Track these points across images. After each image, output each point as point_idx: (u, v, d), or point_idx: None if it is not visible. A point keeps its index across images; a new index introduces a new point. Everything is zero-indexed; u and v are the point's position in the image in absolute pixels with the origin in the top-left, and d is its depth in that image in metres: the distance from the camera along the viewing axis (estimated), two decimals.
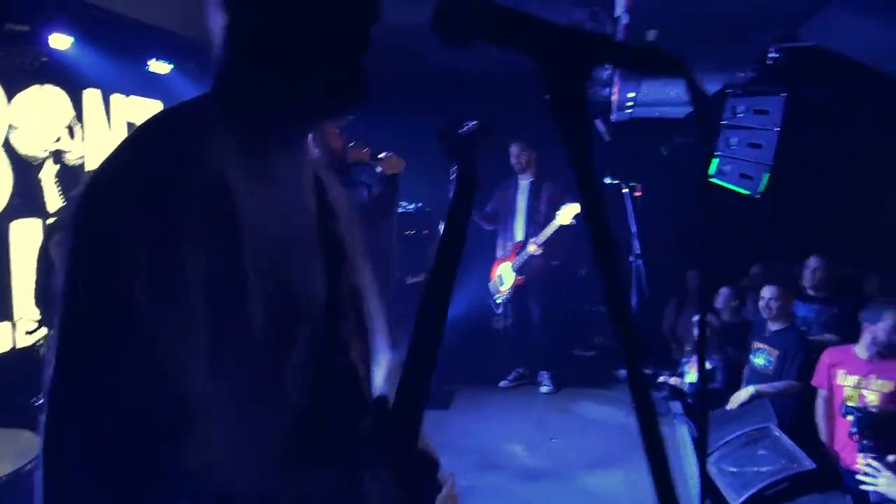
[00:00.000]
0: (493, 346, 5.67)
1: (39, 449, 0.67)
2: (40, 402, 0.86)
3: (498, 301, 5.36)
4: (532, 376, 5.41)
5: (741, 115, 4.97)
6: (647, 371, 5.47)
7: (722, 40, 2.65)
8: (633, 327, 0.61)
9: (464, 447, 4.11)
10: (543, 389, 5.27)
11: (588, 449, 4.20)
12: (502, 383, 5.41)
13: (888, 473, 2.74)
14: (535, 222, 5.13)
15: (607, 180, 5.30)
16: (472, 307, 5.48)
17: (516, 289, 5.24)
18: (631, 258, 5.34)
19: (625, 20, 2.32)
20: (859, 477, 2.86)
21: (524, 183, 5.29)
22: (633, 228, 5.23)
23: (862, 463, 2.91)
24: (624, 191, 5.23)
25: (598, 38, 0.59)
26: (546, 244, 5.08)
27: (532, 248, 5.10)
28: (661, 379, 5.16)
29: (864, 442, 3.38)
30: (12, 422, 2.75)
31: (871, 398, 3.55)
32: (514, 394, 5.30)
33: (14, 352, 3.76)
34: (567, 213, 4.95)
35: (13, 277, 3.78)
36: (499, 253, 5.41)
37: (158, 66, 4.47)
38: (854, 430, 3.38)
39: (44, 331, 3.35)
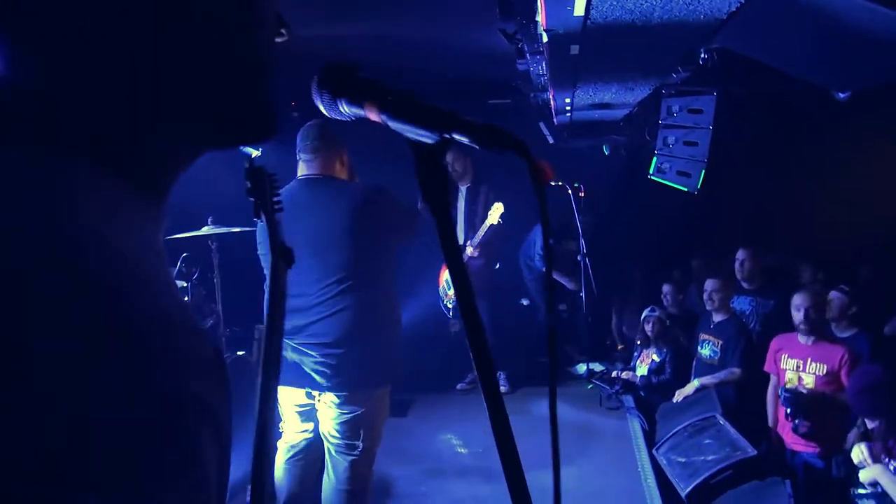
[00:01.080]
0: (448, 351, 5.73)
1: None
2: None
3: (449, 306, 5.42)
4: None
5: (676, 114, 5.13)
6: (602, 366, 5.60)
7: (645, 48, 2.74)
8: (485, 340, 0.66)
9: (422, 453, 4.16)
10: (500, 390, 5.35)
11: (543, 448, 4.25)
12: (459, 386, 5.47)
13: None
14: (474, 226, 5.21)
15: (552, 182, 5.40)
16: (426, 314, 5.53)
17: None
18: (578, 257, 5.46)
19: (546, 37, 2.39)
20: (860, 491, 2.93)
21: (462, 189, 5.37)
22: (579, 228, 5.34)
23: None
24: (568, 192, 5.34)
25: (447, 115, 0.64)
26: (483, 246, 5.15)
27: (469, 251, 5.18)
28: (614, 374, 5.30)
29: (796, 422, 3.55)
30: None
31: (808, 381, 3.72)
32: (471, 397, 5.35)
33: None
34: (495, 213, 5.05)
35: None
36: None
37: None
38: (788, 411, 3.55)
39: None
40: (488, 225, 5.07)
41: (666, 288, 5.35)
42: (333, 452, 2.67)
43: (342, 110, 0.69)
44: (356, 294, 2.57)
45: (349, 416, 2.59)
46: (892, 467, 2.71)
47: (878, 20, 2.32)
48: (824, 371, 3.67)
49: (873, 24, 2.53)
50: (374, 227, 2.59)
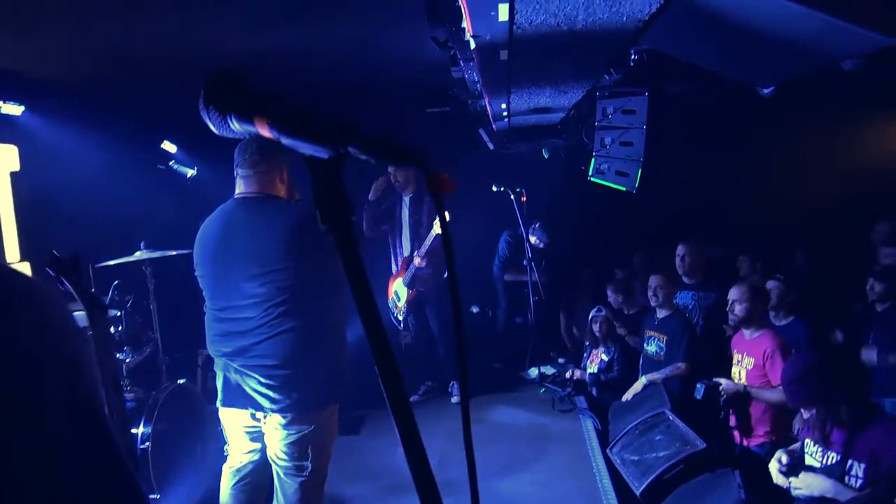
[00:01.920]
0: (400, 363, 5.66)
1: None
2: None
3: (399, 318, 5.37)
4: (442, 388, 5.45)
5: (611, 115, 5.22)
6: (553, 369, 5.63)
7: (574, 51, 2.76)
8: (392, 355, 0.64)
9: (377, 470, 4.08)
10: (454, 400, 5.32)
11: (500, 455, 4.26)
12: (412, 398, 5.42)
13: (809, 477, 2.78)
14: (419, 236, 5.18)
15: (494, 188, 5.42)
16: None
17: (411, 303, 5.27)
18: (525, 261, 5.48)
19: (474, 43, 2.38)
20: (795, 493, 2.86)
21: (406, 199, 5.34)
22: (523, 233, 5.37)
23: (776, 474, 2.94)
24: (511, 197, 5.37)
25: (343, 128, 0.60)
26: (430, 255, 5.13)
27: (417, 261, 5.16)
28: (567, 374, 5.33)
29: (723, 414, 3.65)
30: None
31: (742, 375, 3.82)
32: (426, 408, 5.31)
33: None
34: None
35: None
36: (392, 270, 5.43)
37: (10, 109, 4.21)
38: (720, 402, 3.65)
39: None
40: (434, 234, 5.05)
41: (609, 289, 5.42)
42: (282, 475, 2.59)
43: (233, 127, 0.65)
44: (298, 315, 2.51)
45: (296, 436, 2.52)
46: (829, 459, 2.74)
47: (789, 16, 2.40)
48: (752, 365, 3.78)
49: (786, 20, 2.61)
50: (312, 247, 2.52)
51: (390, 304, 5.39)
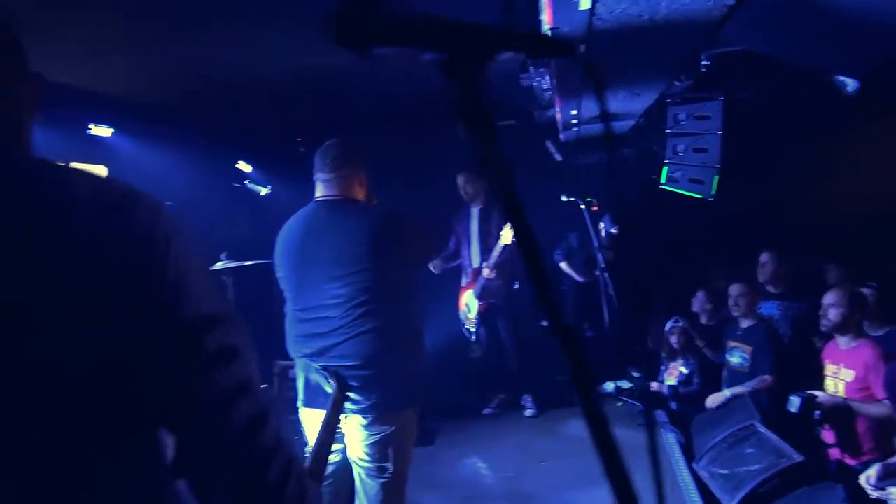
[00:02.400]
0: (473, 375, 5.61)
1: None
2: None
3: (471, 329, 5.32)
4: (515, 401, 5.35)
5: (683, 122, 5.10)
6: (629, 384, 5.46)
7: (652, 45, 2.71)
8: (580, 346, 0.60)
9: (452, 481, 4.03)
10: (527, 413, 5.22)
11: (576, 468, 4.14)
12: (486, 411, 5.35)
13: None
14: (489, 247, 5.15)
15: (564, 198, 5.35)
16: (448, 340, 5.43)
17: (481, 315, 5.22)
18: (597, 272, 5.37)
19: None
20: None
21: (475, 210, 5.33)
22: (595, 243, 5.26)
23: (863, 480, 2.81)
24: (581, 207, 5.29)
25: (494, 28, 0.58)
26: (499, 266, 5.08)
27: (486, 272, 5.11)
28: (653, 385, 5.14)
29: (820, 429, 3.41)
30: None
31: (840, 388, 3.56)
32: (499, 421, 5.23)
33: None
34: (508, 233, 4.99)
35: None
36: (463, 282, 5.41)
37: (99, 130, 4.45)
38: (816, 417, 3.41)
39: None
40: (502, 245, 5.01)
41: (698, 296, 5.20)
42: (364, 476, 2.57)
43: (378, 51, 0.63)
44: (379, 316, 2.50)
45: (377, 437, 2.51)
46: None
47: None
48: (851, 377, 3.52)
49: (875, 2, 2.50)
50: (394, 250, 2.53)
51: (462, 316, 5.36)
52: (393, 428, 2.52)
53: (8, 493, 0.67)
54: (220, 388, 0.77)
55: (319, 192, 2.70)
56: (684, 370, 4.91)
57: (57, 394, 0.69)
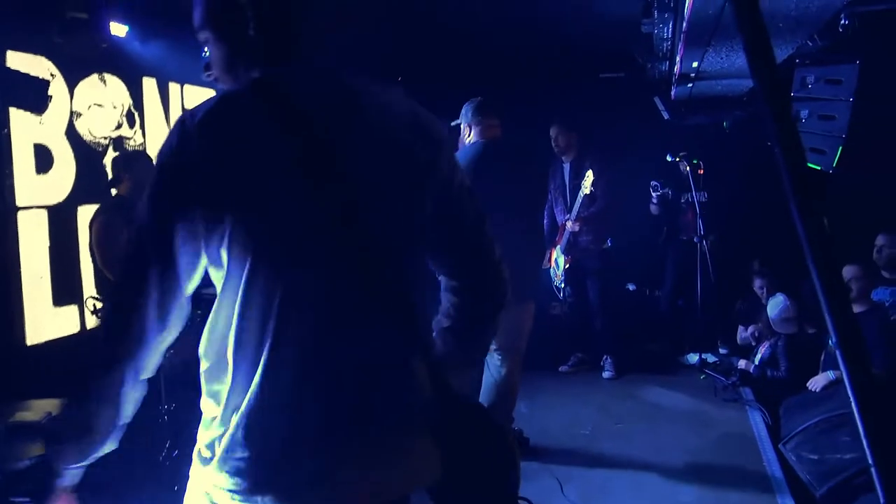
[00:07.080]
0: (549, 331, 5.56)
1: None
2: None
3: (560, 286, 5.23)
4: (593, 361, 5.29)
5: (811, 85, 4.70)
6: (715, 357, 5.28)
7: (787, 8, 2.48)
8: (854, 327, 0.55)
9: (527, 432, 4.04)
10: (605, 374, 5.15)
11: (649, 434, 4.07)
12: (562, 368, 5.32)
13: None
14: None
15: (668, 158, 5.12)
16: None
17: (568, 271, 5.11)
18: (695, 239, 5.15)
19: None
20: None
21: (567, 165, 5.18)
22: (697, 208, 5.03)
23: None
24: (686, 169, 5.04)
25: None
26: (586, 220, 4.94)
27: (569, 225, 4.99)
28: (741, 364, 4.95)
29: None
30: None
31: None
32: (576, 379, 5.19)
33: (84, 333, 3.87)
34: (587, 182, 4.82)
35: (81, 261, 3.89)
36: (554, 238, 5.31)
37: None
38: None
39: None
40: (582, 195, 4.86)
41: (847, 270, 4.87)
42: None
43: None
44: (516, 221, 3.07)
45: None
46: None
47: None
48: None
49: None
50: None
51: (551, 273, 5.28)
52: (511, 313, 2.63)
53: (397, 283, 1.17)
54: (474, 205, 1.33)
55: (490, 133, 3.46)
56: (775, 352, 4.71)
57: (414, 231, 1.23)
